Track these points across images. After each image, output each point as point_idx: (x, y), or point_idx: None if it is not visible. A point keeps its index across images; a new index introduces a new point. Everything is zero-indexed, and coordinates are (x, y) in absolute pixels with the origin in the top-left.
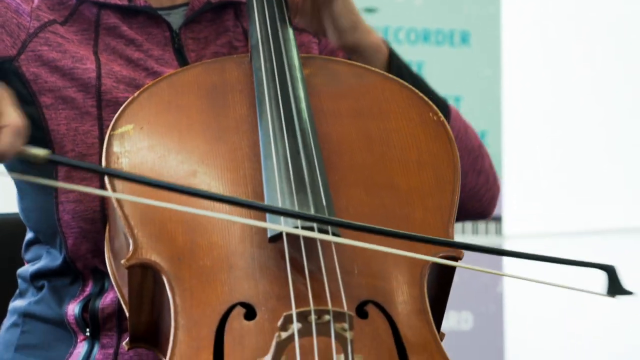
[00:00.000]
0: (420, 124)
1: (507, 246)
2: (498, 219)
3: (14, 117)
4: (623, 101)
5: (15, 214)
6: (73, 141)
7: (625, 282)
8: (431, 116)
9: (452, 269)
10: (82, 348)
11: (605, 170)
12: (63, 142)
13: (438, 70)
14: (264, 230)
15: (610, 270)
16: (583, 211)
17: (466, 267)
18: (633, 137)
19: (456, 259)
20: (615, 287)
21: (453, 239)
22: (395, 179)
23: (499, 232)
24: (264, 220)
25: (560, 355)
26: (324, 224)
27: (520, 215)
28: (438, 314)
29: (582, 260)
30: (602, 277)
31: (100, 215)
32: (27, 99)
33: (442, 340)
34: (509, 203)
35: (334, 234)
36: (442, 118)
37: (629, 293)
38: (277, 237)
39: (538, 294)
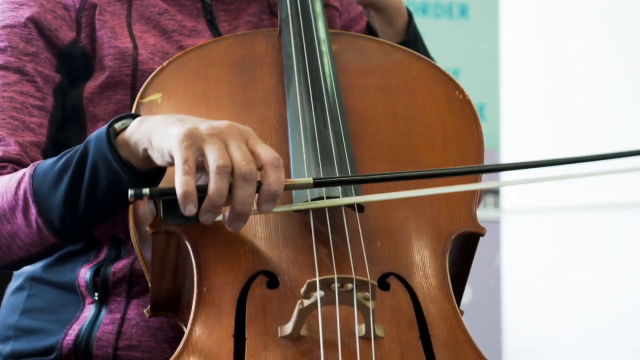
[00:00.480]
0: (446, 102)
1: (506, 221)
2: (496, 192)
3: (271, 152)
4: (622, 71)
5: None
6: (105, 109)
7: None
8: (457, 94)
9: (475, 244)
10: (89, 312)
11: (605, 143)
12: (95, 111)
13: (436, 43)
14: (289, 200)
15: None
16: (582, 185)
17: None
18: (633, 108)
19: (479, 235)
20: None
21: (476, 216)
22: (420, 155)
23: (497, 205)
24: (290, 192)
25: (558, 328)
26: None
27: (518, 189)
28: (458, 290)
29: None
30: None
31: None
32: (86, 77)
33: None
34: (507, 177)
35: (359, 206)
36: (468, 97)
37: None
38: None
39: (536, 268)
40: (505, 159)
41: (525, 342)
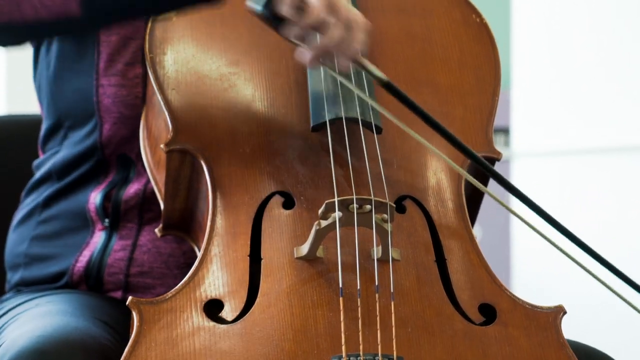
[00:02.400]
0: (463, 25)
1: (515, 164)
2: (506, 131)
3: (360, 15)
4: (634, 16)
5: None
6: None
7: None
8: (474, 18)
9: (492, 165)
10: (99, 238)
11: (619, 85)
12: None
13: None
14: (307, 120)
15: None
16: (594, 129)
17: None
18: None
19: (495, 159)
20: None
21: (492, 140)
22: (436, 76)
23: (507, 144)
24: (307, 111)
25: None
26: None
27: (528, 131)
28: (472, 214)
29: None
30: None
31: (141, 101)
32: None
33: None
34: (517, 118)
35: (376, 127)
36: (485, 20)
37: None
38: (320, 126)
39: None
40: (516, 101)
41: (533, 281)
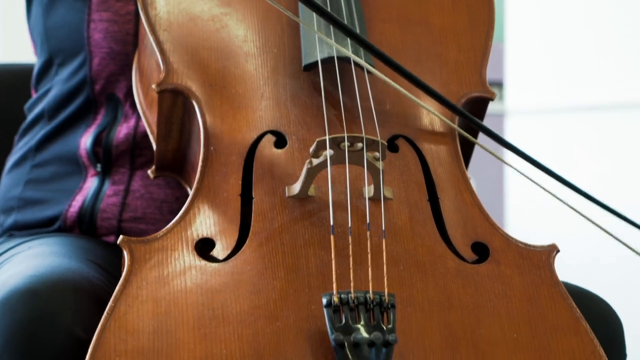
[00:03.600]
0: None
1: (509, 123)
2: (500, 85)
3: None
4: None
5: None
6: None
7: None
8: None
9: (484, 109)
10: (92, 183)
11: (614, 42)
12: None
13: None
14: (299, 60)
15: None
16: (588, 86)
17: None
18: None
19: (488, 99)
20: None
21: (486, 80)
22: (429, 17)
23: (501, 98)
24: (299, 52)
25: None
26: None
27: (522, 87)
28: (466, 155)
29: (624, 214)
30: None
31: (132, 38)
32: None
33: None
34: (511, 73)
35: (368, 64)
36: None
37: None
38: (312, 66)
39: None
40: (510, 56)
41: (527, 233)
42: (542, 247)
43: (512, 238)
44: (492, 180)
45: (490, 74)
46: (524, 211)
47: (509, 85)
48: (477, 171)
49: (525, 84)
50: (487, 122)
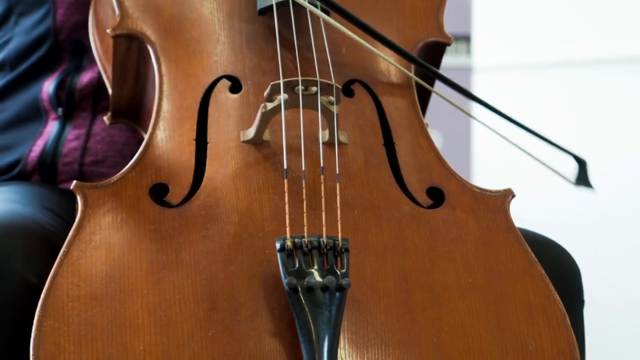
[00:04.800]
0: None
1: (477, 79)
2: (467, 39)
3: None
4: None
5: None
6: None
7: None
8: None
9: (441, 54)
10: (52, 127)
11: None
12: None
13: None
14: (254, 4)
15: (582, 163)
16: (559, 41)
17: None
18: None
19: (445, 44)
20: (582, 179)
21: (443, 25)
22: None
23: (469, 52)
24: None
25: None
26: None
27: (491, 41)
28: (423, 100)
29: (560, 145)
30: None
31: None
32: None
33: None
34: (479, 27)
35: (323, 9)
36: None
37: (590, 187)
38: (267, 10)
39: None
40: (478, 9)
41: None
42: (497, 191)
43: (468, 183)
44: (459, 133)
45: (457, 28)
46: (491, 164)
47: (477, 40)
48: (444, 124)
49: (494, 38)
50: (454, 76)
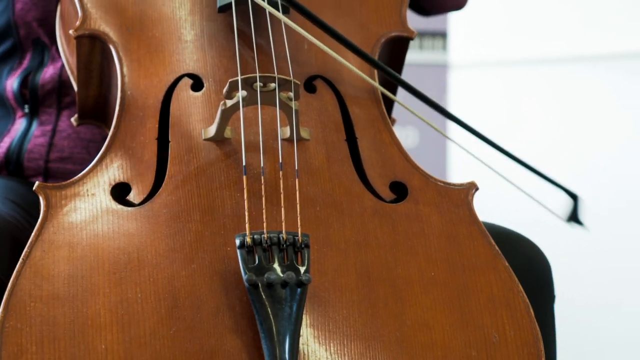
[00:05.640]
0: None
1: (453, 75)
2: (443, 35)
3: None
4: None
5: None
6: None
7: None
8: None
9: (404, 49)
10: (20, 125)
11: None
12: None
13: None
14: (214, 2)
15: (575, 199)
16: (536, 38)
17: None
18: None
19: (408, 39)
20: (573, 216)
21: (406, 19)
22: None
23: (444, 48)
24: None
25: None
26: None
27: (467, 38)
28: (388, 98)
29: (553, 179)
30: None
31: None
32: None
33: (392, 126)
34: (455, 23)
35: (283, 7)
36: None
37: (582, 225)
38: (226, 7)
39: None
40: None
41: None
42: (461, 185)
43: (432, 177)
44: (435, 131)
45: (433, 24)
46: (467, 159)
47: (453, 36)
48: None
49: (470, 35)
50: (430, 73)
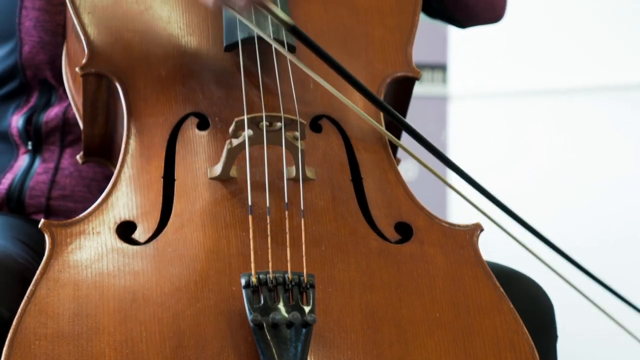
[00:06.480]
0: None
1: (453, 107)
2: (443, 68)
3: None
4: None
5: None
6: None
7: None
8: None
9: (410, 89)
10: (23, 161)
11: (559, 26)
12: None
13: None
14: (221, 41)
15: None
16: (534, 69)
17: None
18: None
19: (414, 79)
20: None
21: (412, 59)
22: None
23: (444, 80)
24: (222, 33)
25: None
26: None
27: (466, 71)
28: (395, 133)
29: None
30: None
31: (62, 29)
32: None
33: (397, 165)
34: (455, 56)
35: (289, 46)
36: None
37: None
38: (233, 46)
39: (484, 152)
40: (454, 38)
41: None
42: (466, 226)
43: (437, 217)
44: (434, 163)
45: (433, 57)
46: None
47: (453, 69)
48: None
49: (469, 67)
50: (430, 105)
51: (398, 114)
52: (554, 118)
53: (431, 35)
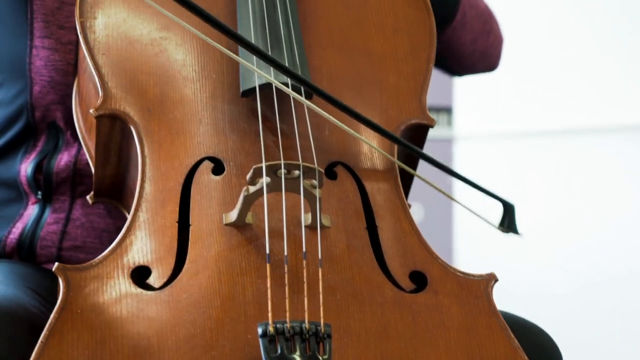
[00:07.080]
0: None
1: (458, 149)
2: (449, 110)
3: None
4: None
5: None
6: None
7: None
8: None
9: (424, 136)
10: (32, 210)
11: (564, 67)
12: None
13: None
14: (237, 85)
15: (509, 208)
16: (539, 111)
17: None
18: (588, 33)
19: (428, 127)
20: (509, 223)
21: (425, 107)
22: (370, 44)
23: (450, 123)
24: (238, 77)
25: (510, 248)
26: (297, 81)
27: (471, 113)
28: (406, 183)
29: (489, 190)
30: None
31: (73, 68)
32: None
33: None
34: (460, 98)
35: (306, 92)
36: None
37: (517, 233)
38: (250, 92)
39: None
40: (459, 81)
41: (475, 262)
42: (480, 276)
43: (451, 267)
44: (441, 207)
45: (438, 100)
46: (473, 235)
47: (458, 111)
48: (425, 196)
49: (474, 109)
50: (435, 147)
51: (410, 144)
52: (559, 158)
53: (436, 79)
